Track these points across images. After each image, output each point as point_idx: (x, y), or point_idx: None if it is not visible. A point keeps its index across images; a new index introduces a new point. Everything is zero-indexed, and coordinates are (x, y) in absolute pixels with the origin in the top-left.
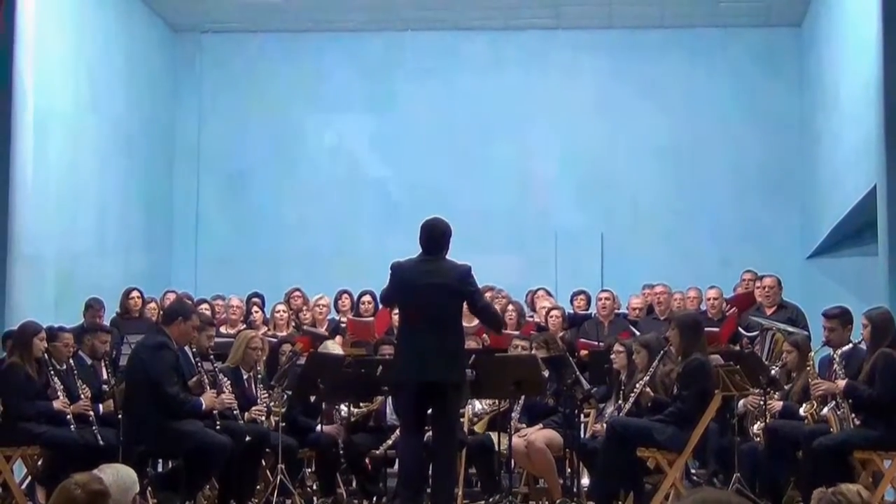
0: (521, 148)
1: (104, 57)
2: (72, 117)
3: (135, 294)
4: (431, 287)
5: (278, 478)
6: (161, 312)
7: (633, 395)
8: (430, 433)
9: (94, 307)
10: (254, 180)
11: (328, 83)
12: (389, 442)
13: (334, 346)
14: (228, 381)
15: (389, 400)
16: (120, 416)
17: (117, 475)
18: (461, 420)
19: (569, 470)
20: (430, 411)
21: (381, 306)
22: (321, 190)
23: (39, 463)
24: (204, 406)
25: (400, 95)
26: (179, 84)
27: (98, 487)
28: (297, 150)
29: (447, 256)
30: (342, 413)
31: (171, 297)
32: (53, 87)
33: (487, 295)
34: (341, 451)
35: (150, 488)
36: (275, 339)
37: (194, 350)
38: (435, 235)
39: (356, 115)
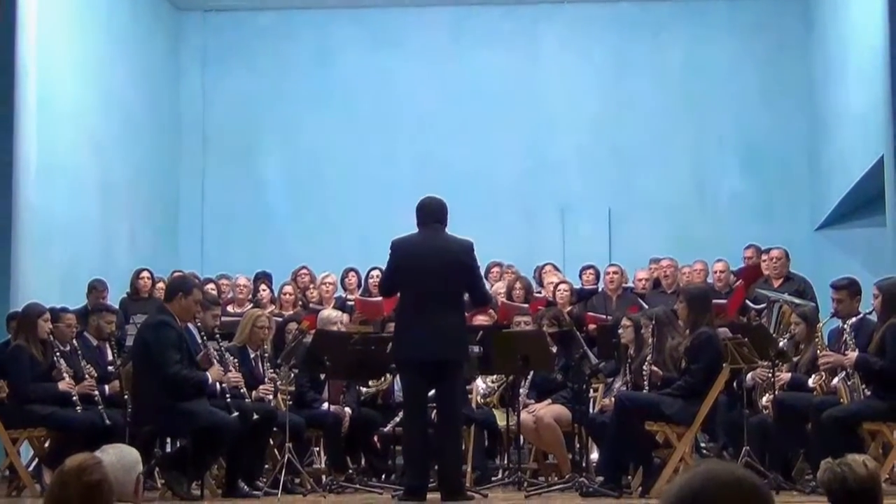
0: (528, 122)
1: (108, 36)
2: (75, 97)
3: (145, 274)
4: (435, 261)
5: (286, 456)
6: None
7: (644, 373)
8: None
9: (97, 288)
10: (259, 158)
11: (334, 59)
12: (397, 419)
13: (333, 315)
14: (235, 360)
15: (398, 377)
16: (126, 396)
17: (120, 455)
18: (468, 396)
19: (577, 445)
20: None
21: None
22: (328, 167)
23: (46, 445)
24: (210, 380)
25: (406, 70)
26: (184, 63)
27: (94, 478)
28: (303, 127)
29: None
30: (357, 392)
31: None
32: (56, 68)
33: (495, 270)
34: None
35: (157, 469)
36: (281, 318)
37: (199, 326)
38: (434, 209)
39: (362, 90)
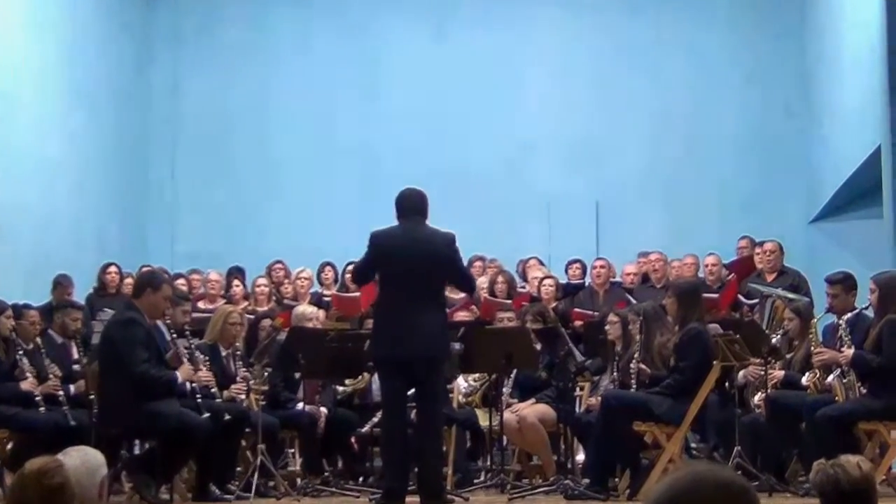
0: (513, 112)
1: (73, 21)
2: (40, 84)
3: (112, 269)
4: (415, 255)
5: (259, 459)
6: None
7: (632, 371)
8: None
9: (62, 284)
10: (233, 150)
11: (309, 44)
12: (375, 420)
13: (309, 311)
14: (206, 359)
15: (376, 376)
16: (92, 396)
17: (83, 458)
18: (449, 396)
19: (563, 446)
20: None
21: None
22: (304, 156)
23: (8, 447)
24: (180, 379)
25: (384, 56)
26: (154, 48)
27: (56, 481)
28: (277, 114)
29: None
30: (333, 392)
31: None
32: (20, 53)
33: (477, 265)
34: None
35: (124, 472)
36: (253, 315)
37: (168, 323)
38: (414, 201)
39: (339, 76)
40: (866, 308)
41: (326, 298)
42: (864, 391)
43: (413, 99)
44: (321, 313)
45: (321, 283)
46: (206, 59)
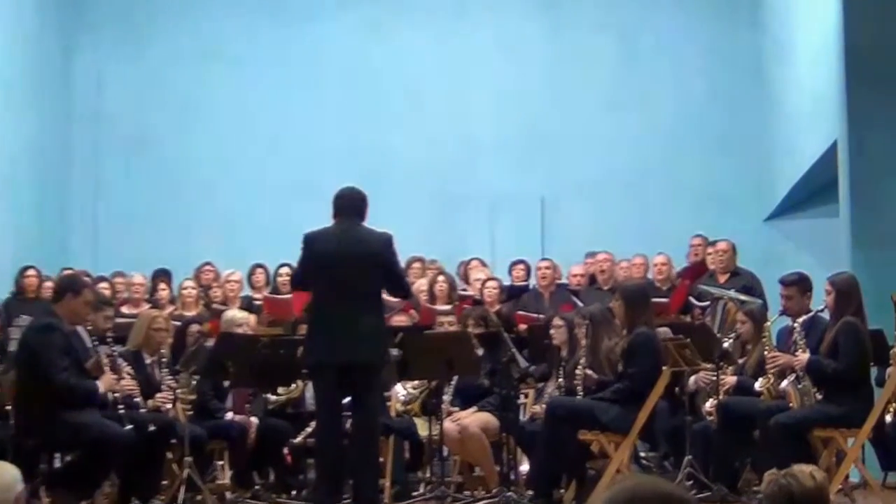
0: (452, 104)
1: None
2: None
3: (31, 272)
4: (352, 257)
5: (186, 472)
6: None
7: (578, 377)
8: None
9: None
10: (160, 144)
11: (239, 36)
12: (309, 429)
13: (239, 316)
14: (129, 366)
15: (310, 384)
16: (8, 407)
17: None
18: (386, 404)
19: (506, 456)
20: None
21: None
22: (233, 154)
23: None
24: (101, 389)
25: (318, 48)
26: (75, 41)
27: None
28: (206, 109)
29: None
30: (264, 401)
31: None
32: None
33: (416, 266)
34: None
35: (43, 486)
36: (180, 321)
37: (90, 329)
38: (352, 201)
39: (270, 70)
40: (822, 310)
41: (257, 302)
42: (819, 397)
43: (350, 96)
44: (252, 318)
45: (252, 287)
46: (131, 56)
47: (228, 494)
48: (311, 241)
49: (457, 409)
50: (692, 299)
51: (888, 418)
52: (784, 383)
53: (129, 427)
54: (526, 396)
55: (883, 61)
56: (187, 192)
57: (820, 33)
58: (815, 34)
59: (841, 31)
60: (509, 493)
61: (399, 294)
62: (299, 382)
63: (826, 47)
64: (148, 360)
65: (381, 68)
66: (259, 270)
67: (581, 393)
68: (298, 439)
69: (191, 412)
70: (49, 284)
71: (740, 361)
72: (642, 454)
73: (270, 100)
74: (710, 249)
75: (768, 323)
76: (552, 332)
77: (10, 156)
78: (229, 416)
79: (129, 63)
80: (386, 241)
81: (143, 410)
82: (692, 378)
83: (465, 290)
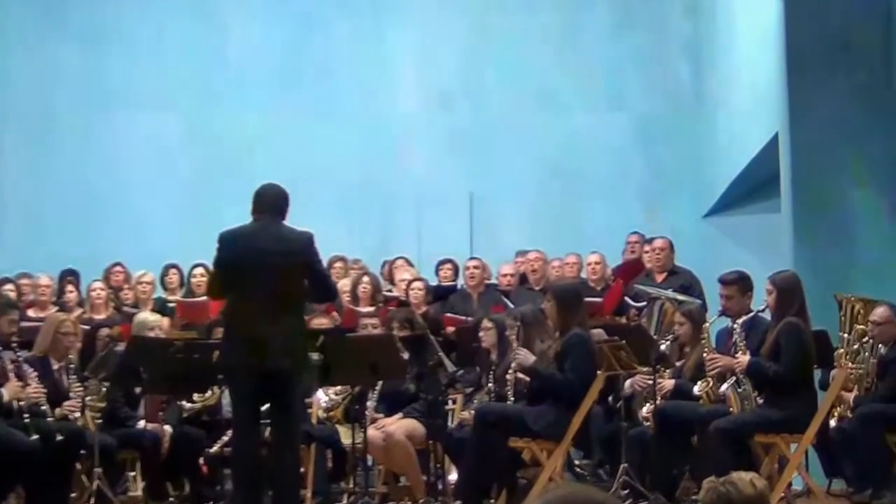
0: (375, 94)
1: None
2: None
3: None
4: (269, 256)
5: (95, 483)
6: None
7: (508, 382)
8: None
9: None
10: (67, 140)
11: (153, 28)
12: (226, 438)
13: (151, 319)
14: (35, 373)
15: (226, 390)
16: None
17: None
18: (307, 411)
19: (433, 465)
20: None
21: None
22: (144, 147)
23: None
24: (5, 398)
25: (226, 31)
26: None
27: None
28: (114, 100)
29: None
30: (179, 408)
31: None
32: None
33: (338, 266)
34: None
35: None
36: (89, 324)
37: None
38: (272, 198)
39: (182, 63)
40: (763, 310)
41: (171, 304)
42: (760, 401)
43: (267, 87)
44: (165, 321)
45: (165, 288)
46: (35, 48)
47: None
48: (227, 241)
49: (381, 415)
50: (628, 299)
51: (832, 423)
52: (724, 387)
53: (35, 437)
54: (454, 402)
55: (825, 51)
56: (95, 189)
57: (761, 23)
58: (756, 24)
59: (782, 19)
60: None
61: (323, 297)
62: (215, 389)
63: (767, 38)
64: (55, 366)
65: (301, 59)
66: (172, 271)
67: (512, 398)
68: (214, 448)
69: (101, 421)
70: None
71: (678, 364)
72: (576, 462)
73: (184, 92)
74: (646, 247)
75: (707, 324)
76: (481, 334)
77: None
78: (141, 424)
79: (33, 56)
80: (307, 241)
81: (50, 419)
82: (628, 382)
83: (389, 290)
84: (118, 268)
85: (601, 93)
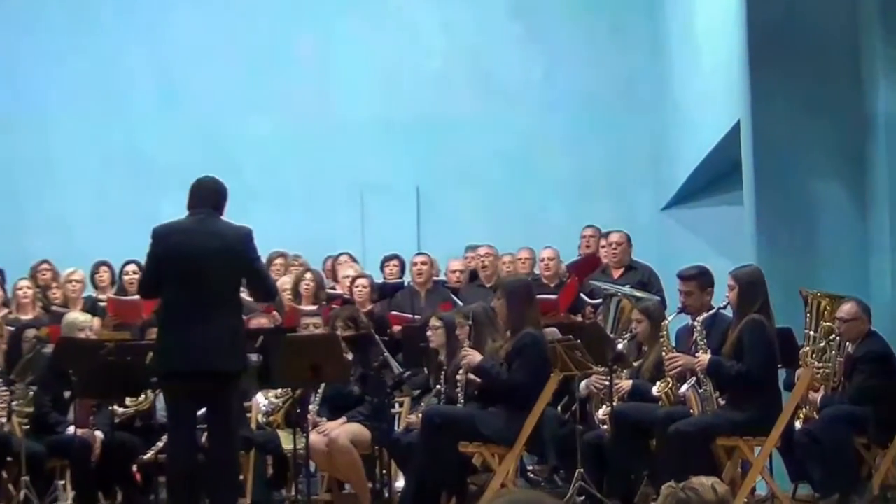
0: (317, 80)
1: None
2: None
3: None
4: (205, 253)
5: (23, 493)
6: None
7: (458, 384)
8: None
9: None
10: None
11: (86, 11)
12: (160, 444)
13: (81, 319)
14: None
15: (161, 394)
16: None
17: None
18: (246, 415)
19: (379, 471)
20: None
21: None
22: (73, 142)
23: None
24: None
25: (170, 27)
26: None
27: None
28: (37, 82)
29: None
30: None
31: None
32: None
33: (278, 262)
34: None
35: None
36: (15, 325)
37: None
38: (209, 191)
39: (114, 38)
40: (724, 307)
41: (102, 304)
42: (722, 402)
43: (200, 75)
44: (96, 321)
45: (95, 287)
46: None
47: None
48: (160, 236)
49: (324, 419)
50: (583, 296)
51: (798, 425)
52: (684, 388)
53: None
54: (401, 405)
55: (789, 34)
56: (20, 183)
57: (721, 3)
58: (715, 7)
59: (744, 3)
60: None
61: (263, 296)
62: (149, 392)
63: (728, 21)
64: None
65: (236, 44)
66: (103, 269)
67: (462, 401)
68: (148, 455)
69: (28, 426)
70: None
71: (636, 364)
72: (529, 467)
73: (111, 81)
74: (602, 242)
75: (666, 322)
76: (429, 334)
77: None
78: (71, 430)
79: None
80: (245, 236)
81: None
82: (583, 383)
83: (333, 288)
84: (45, 265)
85: (553, 79)
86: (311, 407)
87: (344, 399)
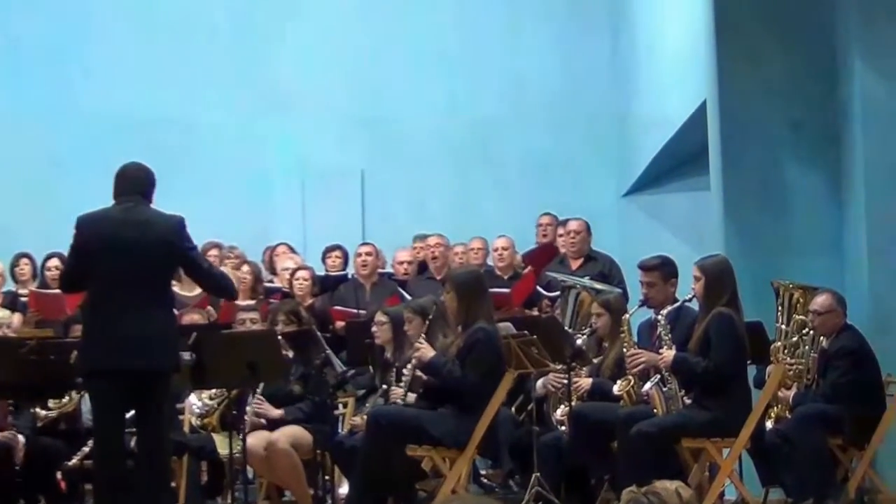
0: (256, 58)
1: None
2: None
3: None
4: (133, 244)
5: None
6: None
7: (404, 382)
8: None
9: None
10: None
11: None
12: (87, 449)
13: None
14: None
15: (87, 395)
16: None
17: None
18: (178, 418)
19: (321, 477)
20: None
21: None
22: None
23: None
24: None
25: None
26: None
27: None
28: None
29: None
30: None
31: None
32: None
33: (212, 253)
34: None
35: None
36: None
37: None
38: (136, 178)
39: (30, 26)
40: (690, 300)
41: (23, 298)
42: (688, 401)
43: (127, 47)
44: (16, 317)
45: (15, 280)
46: None
47: None
48: (84, 226)
49: (262, 421)
50: (539, 289)
51: (768, 425)
52: (647, 386)
53: None
54: (344, 406)
55: (757, 10)
56: None
57: None
58: None
59: None
60: None
61: (216, 289)
62: (73, 394)
63: None
64: None
65: (167, 17)
66: (24, 261)
67: (402, 399)
68: (73, 461)
69: None
70: None
71: (596, 361)
72: (483, 472)
73: (31, 55)
74: (560, 230)
75: (628, 315)
76: (374, 329)
77: None
78: None
79: None
80: (176, 225)
81: None
82: (540, 381)
83: (271, 281)
84: None
85: (506, 57)
86: (248, 408)
87: (283, 399)
